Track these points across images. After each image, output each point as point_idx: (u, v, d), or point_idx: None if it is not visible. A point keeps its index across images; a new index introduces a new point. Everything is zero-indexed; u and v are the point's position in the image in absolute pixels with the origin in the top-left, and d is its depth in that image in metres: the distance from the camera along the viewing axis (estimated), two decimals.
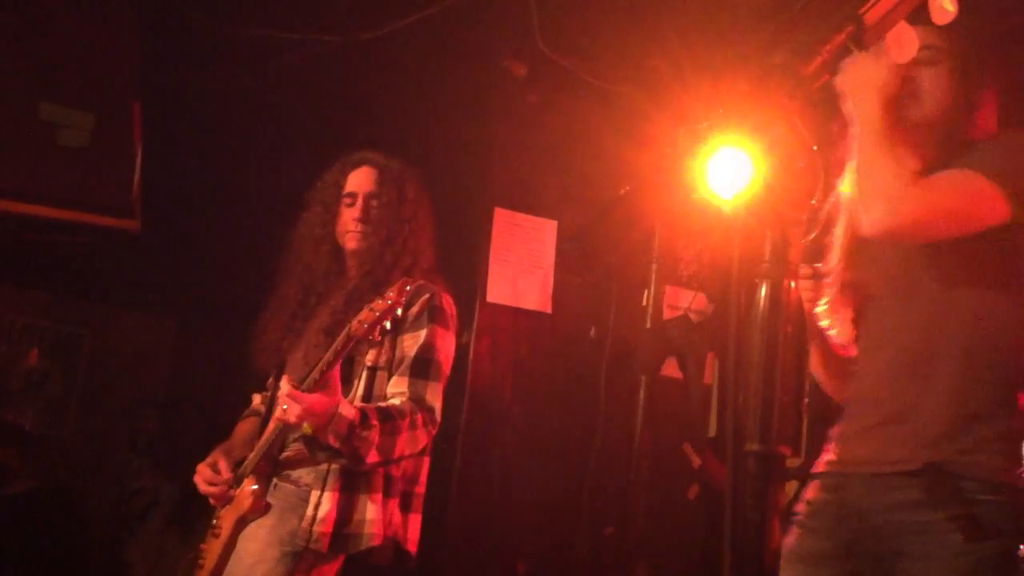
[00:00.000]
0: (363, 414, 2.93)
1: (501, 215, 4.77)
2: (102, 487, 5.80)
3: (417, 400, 3.07)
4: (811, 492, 2.35)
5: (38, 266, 5.50)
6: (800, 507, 2.35)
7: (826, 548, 2.26)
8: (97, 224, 4.27)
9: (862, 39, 1.28)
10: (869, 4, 1.29)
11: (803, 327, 1.15)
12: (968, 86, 2.29)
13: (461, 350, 4.52)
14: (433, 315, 3.17)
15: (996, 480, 2.08)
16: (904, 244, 2.22)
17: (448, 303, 3.25)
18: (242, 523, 3.09)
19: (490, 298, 4.69)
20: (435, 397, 3.12)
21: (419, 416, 3.04)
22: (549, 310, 4.80)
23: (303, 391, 2.93)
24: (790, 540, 2.32)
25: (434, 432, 3.13)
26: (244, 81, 4.95)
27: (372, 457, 2.94)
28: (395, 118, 4.88)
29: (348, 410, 2.90)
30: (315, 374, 2.90)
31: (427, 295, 3.19)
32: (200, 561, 3.20)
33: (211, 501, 3.25)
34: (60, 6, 4.18)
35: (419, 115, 4.95)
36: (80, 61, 4.13)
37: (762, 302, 1.17)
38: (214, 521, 3.21)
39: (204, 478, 3.21)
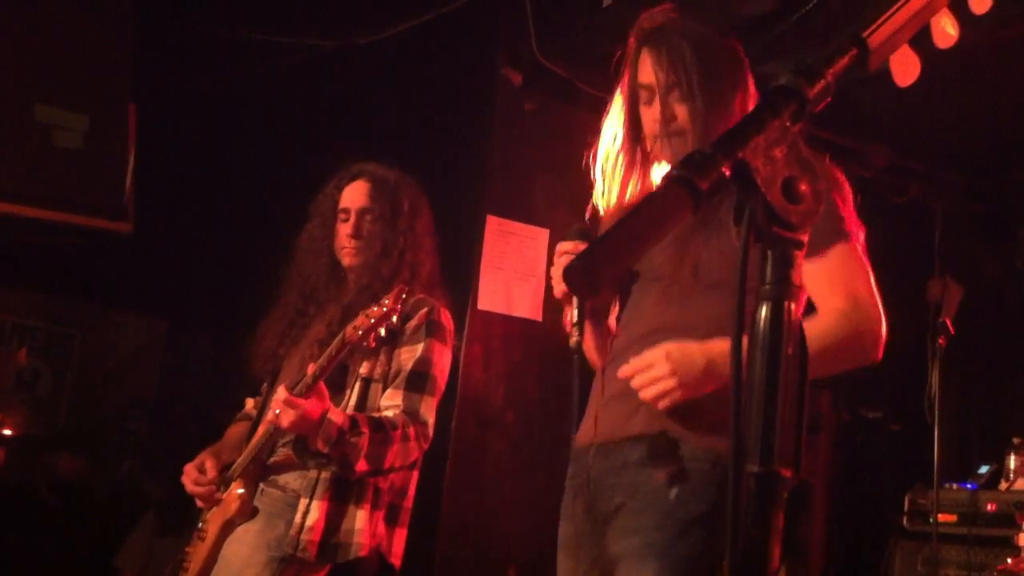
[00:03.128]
0: (353, 421, 2.94)
1: (494, 223, 4.77)
2: (91, 488, 5.79)
3: (411, 413, 3.08)
4: (568, 472, 2.43)
5: (29, 266, 5.49)
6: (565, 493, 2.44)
7: (574, 532, 2.35)
8: (89, 226, 4.27)
9: (866, 62, 1.28)
10: (873, 27, 1.30)
11: (804, 347, 1.16)
12: (702, 98, 2.33)
13: (452, 357, 4.54)
14: (431, 330, 3.18)
15: (713, 449, 2.16)
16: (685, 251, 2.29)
17: (447, 318, 3.25)
18: (229, 527, 3.10)
19: (481, 306, 4.70)
20: (429, 411, 3.13)
21: (411, 429, 3.05)
22: (540, 317, 4.81)
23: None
24: (559, 530, 2.42)
25: (426, 447, 3.14)
26: (239, 84, 4.95)
27: (361, 465, 2.95)
28: (390, 123, 4.89)
29: (337, 416, 2.92)
30: (308, 379, 2.91)
31: (426, 309, 3.19)
32: (185, 564, 3.20)
33: (198, 503, 3.25)
34: (56, 8, 4.17)
35: (414, 121, 4.95)
36: (76, 63, 4.12)
37: (763, 323, 1.17)
38: (200, 524, 3.21)
39: (191, 478, 3.22)
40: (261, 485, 3.15)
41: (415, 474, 3.22)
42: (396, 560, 3.15)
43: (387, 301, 2.85)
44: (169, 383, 6.24)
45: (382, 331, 2.88)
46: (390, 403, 3.10)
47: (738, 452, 1.11)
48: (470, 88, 4.93)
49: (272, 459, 3.16)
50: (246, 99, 5.10)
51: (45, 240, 4.58)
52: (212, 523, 3.15)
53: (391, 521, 3.13)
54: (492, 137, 4.84)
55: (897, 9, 1.28)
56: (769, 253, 1.19)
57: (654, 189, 1.13)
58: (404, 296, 2.89)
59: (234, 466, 3.19)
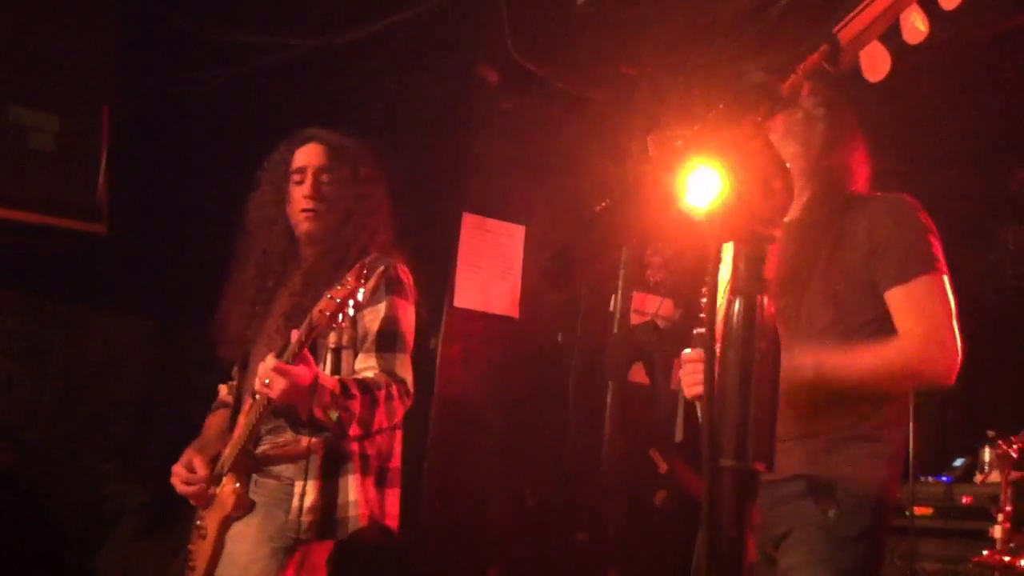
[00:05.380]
0: (343, 384, 2.91)
1: (470, 220, 4.76)
2: (73, 491, 5.75)
3: (389, 373, 3.04)
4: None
5: (7, 267, 5.45)
6: None
7: None
8: (63, 227, 4.25)
9: (836, 58, 1.29)
10: (843, 23, 1.31)
11: (778, 343, 1.17)
12: (839, 133, 2.66)
13: (429, 355, 4.52)
14: (391, 287, 3.12)
15: (864, 490, 2.50)
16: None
17: (405, 273, 3.19)
18: (227, 523, 3.06)
19: (458, 303, 4.69)
20: (404, 369, 3.09)
21: (394, 388, 3.01)
22: (517, 315, 4.80)
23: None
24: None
25: (409, 403, 3.09)
26: (217, 84, 4.93)
27: (354, 429, 2.92)
28: (367, 122, 4.87)
29: (328, 380, 2.88)
30: (293, 347, 2.85)
31: (382, 267, 3.12)
32: (191, 564, 3.16)
33: (191, 502, 3.21)
34: (31, 9, 4.15)
35: (390, 118, 4.94)
36: (50, 65, 4.11)
37: (736, 318, 1.18)
38: (198, 522, 3.17)
39: (181, 479, 3.16)
40: (255, 476, 3.11)
41: (399, 434, 3.18)
42: (392, 521, 3.12)
43: (350, 279, 2.79)
44: (151, 385, 6.18)
45: (350, 310, 2.83)
46: (364, 366, 3.05)
47: (713, 447, 1.11)
48: (446, 87, 4.92)
49: (260, 449, 3.13)
50: (226, 99, 5.07)
51: (22, 241, 4.56)
52: (211, 521, 3.11)
53: (380, 484, 3.09)
54: (468, 135, 4.84)
55: (867, 5, 1.28)
56: (742, 249, 1.20)
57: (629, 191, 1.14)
58: (365, 271, 2.86)
59: (222, 459, 3.14)
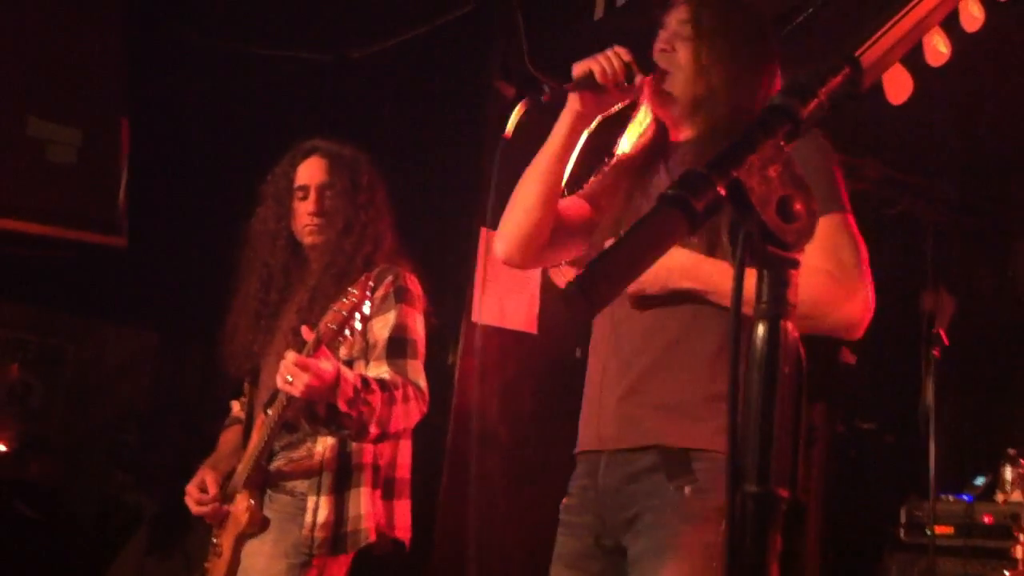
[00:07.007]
0: (364, 379, 2.90)
1: (487, 235, 4.76)
2: (83, 501, 5.77)
3: (402, 377, 3.04)
4: (573, 480, 2.44)
5: (21, 279, 5.48)
6: (565, 501, 2.43)
7: (580, 547, 2.34)
8: (83, 240, 4.27)
9: (859, 81, 1.28)
10: (865, 46, 1.30)
11: (801, 366, 1.16)
12: (727, 57, 2.39)
13: (447, 370, 4.52)
14: (400, 296, 3.12)
15: (715, 452, 2.18)
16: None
17: (413, 282, 3.19)
18: (242, 540, 3.07)
19: (475, 318, 4.69)
20: (418, 374, 3.08)
21: (410, 389, 3.00)
22: (535, 331, 4.80)
23: (280, 399, 2.91)
24: (558, 541, 2.40)
25: (424, 409, 3.07)
26: (233, 98, 4.95)
27: (373, 428, 2.90)
28: (383, 137, 4.89)
29: (350, 374, 2.87)
30: (311, 344, 2.84)
31: (391, 277, 3.14)
32: None
33: (206, 520, 3.22)
34: (48, 22, 4.18)
35: (407, 133, 4.95)
36: (69, 77, 4.13)
37: (759, 342, 1.17)
38: (213, 540, 3.18)
39: (194, 499, 3.17)
40: (268, 491, 3.11)
41: (404, 444, 3.16)
42: (402, 533, 3.11)
43: (355, 292, 2.79)
44: (161, 395, 6.21)
45: (356, 324, 2.82)
46: (376, 372, 3.04)
47: (735, 472, 1.11)
48: (463, 101, 4.93)
49: (274, 464, 3.13)
50: (240, 113, 5.09)
51: (38, 254, 4.58)
52: (225, 538, 3.11)
53: (388, 495, 3.09)
54: (485, 150, 4.84)
55: (890, 28, 1.28)
56: (764, 273, 1.19)
57: (650, 210, 1.13)
58: (371, 283, 2.86)
59: (235, 475, 3.15)
